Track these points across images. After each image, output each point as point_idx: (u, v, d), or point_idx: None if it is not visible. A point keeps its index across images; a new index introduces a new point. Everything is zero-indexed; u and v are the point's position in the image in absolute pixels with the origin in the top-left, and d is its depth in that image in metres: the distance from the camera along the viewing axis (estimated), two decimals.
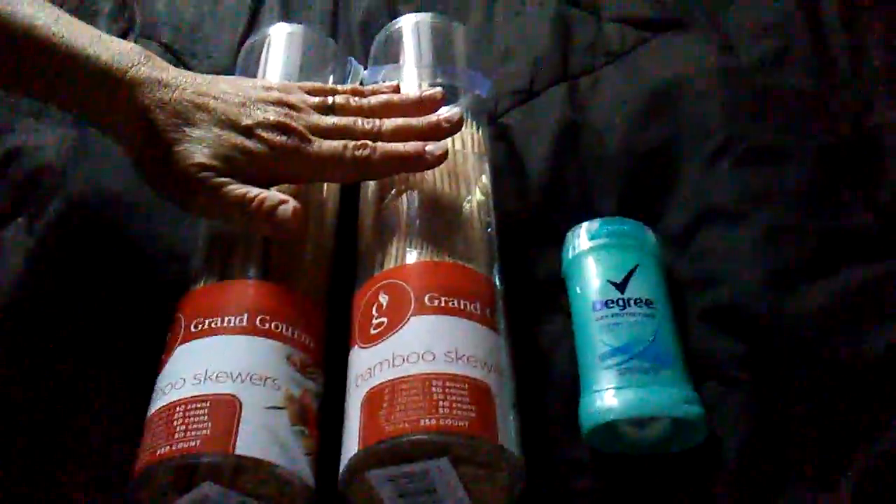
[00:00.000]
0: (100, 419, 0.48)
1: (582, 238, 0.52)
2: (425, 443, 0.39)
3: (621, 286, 0.48)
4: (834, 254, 0.51)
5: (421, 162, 0.49)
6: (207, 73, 0.67)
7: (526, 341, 0.50)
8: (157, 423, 0.41)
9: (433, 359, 0.41)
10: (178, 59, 0.71)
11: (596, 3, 0.73)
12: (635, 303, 0.47)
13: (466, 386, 0.40)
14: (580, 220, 0.53)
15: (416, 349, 0.41)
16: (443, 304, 0.43)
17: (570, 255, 0.52)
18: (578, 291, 0.50)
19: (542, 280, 0.55)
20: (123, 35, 0.72)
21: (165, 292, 0.49)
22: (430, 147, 0.49)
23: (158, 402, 0.42)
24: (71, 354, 0.51)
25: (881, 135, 0.59)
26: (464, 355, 0.41)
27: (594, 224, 0.52)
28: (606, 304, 0.48)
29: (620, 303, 0.47)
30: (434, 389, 0.40)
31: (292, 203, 0.46)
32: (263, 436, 0.40)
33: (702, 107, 0.62)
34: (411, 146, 0.49)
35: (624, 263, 0.49)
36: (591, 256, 0.51)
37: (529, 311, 0.53)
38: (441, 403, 0.39)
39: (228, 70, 0.68)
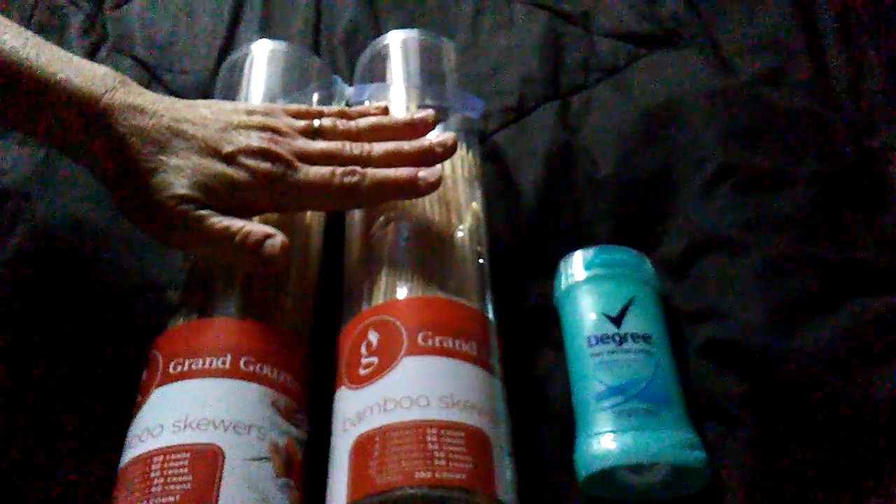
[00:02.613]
0: (66, 467, 0.45)
1: (576, 267, 0.50)
2: (420, 497, 0.37)
3: (617, 320, 0.47)
4: (839, 286, 0.49)
5: (413, 189, 0.47)
6: (183, 88, 0.66)
7: (518, 376, 0.48)
8: (132, 474, 0.38)
9: (427, 404, 0.39)
10: (152, 74, 0.68)
11: (587, 17, 0.72)
12: (632, 338, 0.46)
13: (463, 434, 0.38)
14: (573, 248, 0.51)
15: (409, 393, 0.39)
16: (437, 344, 0.41)
17: (563, 286, 0.50)
18: (572, 325, 0.48)
19: (532, 310, 0.53)
20: (95, 49, 0.69)
21: (139, 327, 0.47)
22: (423, 173, 0.47)
23: (134, 450, 0.39)
24: (36, 395, 0.48)
25: (883, 157, 0.58)
26: (460, 400, 0.39)
27: (588, 252, 0.50)
28: (602, 339, 0.46)
29: (616, 338, 0.46)
30: (429, 438, 0.38)
31: (279, 237, 0.44)
32: (247, 490, 0.38)
33: (697, 129, 0.60)
34: (403, 172, 0.47)
35: (620, 295, 0.48)
36: (585, 287, 0.49)
37: (520, 343, 0.50)
38: (437, 454, 0.37)
39: (205, 86, 0.66)
